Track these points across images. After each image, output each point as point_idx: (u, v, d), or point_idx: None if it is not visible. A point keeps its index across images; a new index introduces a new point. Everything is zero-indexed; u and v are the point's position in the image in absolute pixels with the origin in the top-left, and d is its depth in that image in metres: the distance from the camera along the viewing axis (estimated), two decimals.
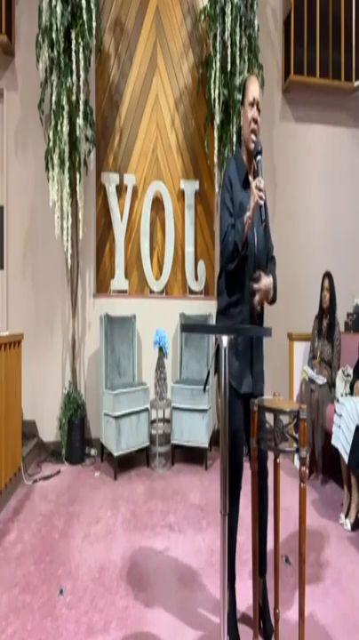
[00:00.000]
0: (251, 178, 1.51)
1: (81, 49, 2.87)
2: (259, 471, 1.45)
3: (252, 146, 1.45)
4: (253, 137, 1.45)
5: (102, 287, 3.46)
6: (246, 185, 1.50)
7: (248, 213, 1.37)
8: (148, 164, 3.53)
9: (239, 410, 1.48)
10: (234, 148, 3.19)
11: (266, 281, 1.45)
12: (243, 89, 1.47)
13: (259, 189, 1.33)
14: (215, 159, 3.32)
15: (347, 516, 2.20)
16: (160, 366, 3.03)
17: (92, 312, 3.35)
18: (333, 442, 2.27)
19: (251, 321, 1.50)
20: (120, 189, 3.43)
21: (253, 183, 1.36)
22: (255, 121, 1.42)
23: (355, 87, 3.64)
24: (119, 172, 3.44)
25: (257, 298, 1.47)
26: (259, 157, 1.40)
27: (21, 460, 2.72)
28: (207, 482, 2.75)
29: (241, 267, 1.45)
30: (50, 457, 3.13)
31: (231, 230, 1.41)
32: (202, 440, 2.94)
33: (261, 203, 1.34)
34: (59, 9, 2.81)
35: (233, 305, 1.50)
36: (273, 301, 1.55)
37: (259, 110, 1.44)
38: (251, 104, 1.43)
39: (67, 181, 2.99)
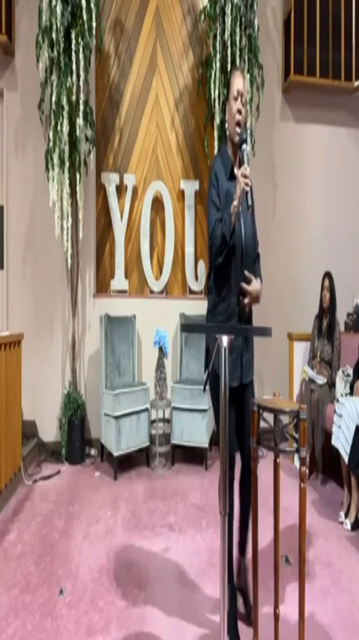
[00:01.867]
0: (236, 169, 1.51)
1: (81, 49, 2.87)
2: (245, 453, 1.55)
3: (237, 137, 1.47)
4: (238, 129, 1.47)
5: (102, 287, 3.46)
6: (233, 177, 1.51)
7: (235, 202, 1.38)
8: (148, 164, 3.53)
9: (228, 399, 1.51)
10: None
11: (256, 286, 1.47)
12: (228, 84, 1.49)
13: (245, 176, 1.34)
14: None
15: (346, 515, 2.20)
16: (160, 366, 3.03)
17: (92, 312, 3.35)
18: (333, 442, 2.27)
19: (240, 316, 1.51)
20: (120, 189, 3.43)
21: (239, 172, 1.37)
22: (239, 112, 1.45)
23: (355, 87, 3.64)
24: (119, 172, 3.44)
25: (247, 300, 1.48)
26: (244, 146, 1.41)
27: (21, 460, 2.72)
28: (207, 482, 2.75)
29: (229, 257, 1.45)
30: (50, 457, 3.13)
31: (218, 224, 1.42)
32: (202, 440, 2.94)
33: (247, 189, 1.34)
34: (59, 9, 2.81)
35: (222, 301, 1.50)
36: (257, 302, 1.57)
37: (243, 103, 1.46)
38: (236, 97, 1.47)
39: (67, 181, 2.99)
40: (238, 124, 1.46)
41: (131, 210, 3.45)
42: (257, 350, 3.63)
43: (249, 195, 1.35)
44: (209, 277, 1.58)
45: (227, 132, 1.54)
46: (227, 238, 1.39)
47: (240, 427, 1.58)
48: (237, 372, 1.50)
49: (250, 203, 1.36)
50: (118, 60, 3.45)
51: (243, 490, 1.59)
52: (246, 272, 1.46)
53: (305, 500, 1.19)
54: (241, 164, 1.42)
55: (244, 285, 1.46)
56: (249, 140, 3.15)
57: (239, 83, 1.47)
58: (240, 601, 1.57)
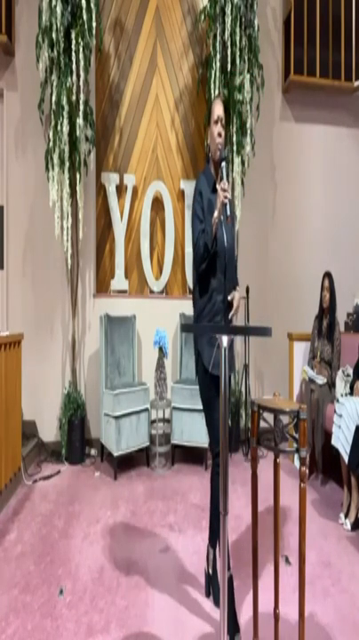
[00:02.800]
0: (217, 184, 1.66)
1: (81, 49, 2.87)
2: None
3: (218, 154, 1.64)
4: (219, 147, 1.65)
5: (102, 287, 3.46)
6: (215, 190, 1.67)
7: (215, 213, 1.54)
8: (148, 164, 3.53)
9: (217, 390, 1.61)
10: (234, 148, 3.19)
11: (237, 297, 1.62)
12: (211, 110, 1.69)
13: (224, 190, 1.50)
14: None
15: (346, 516, 2.20)
16: (160, 366, 3.03)
17: (92, 312, 3.35)
18: (333, 442, 2.27)
19: (225, 313, 1.63)
20: (120, 189, 3.43)
21: (219, 186, 1.53)
22: (219, 135, 1.64)
23: (355, 87, 3.64)
24: (119, 172, 3.44)
25: (232, 311, 1.62)
26: (223, 164, 1.57)
27: (21, 460, 2.72)
28: (207, 482, 2.72)
29: (214, 262, 1.60)
30: (50, 457, 3.13)
31: (201, 235, 1.58)
32: (202, 440, 2.94)
33: (226, 202, 1.49)
34: (59, 9, 2.81)
35: (208, 301, 1.63)
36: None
37: (223, 126, 1.66)
38: (216, 122, 1.65)
39: (67, 181, 2.99)
40: (219, 144, 1.65)
41: (131, 210, 3.45)
42: (257, 350, 3.65)
43: (227, 206, 1.50)
44: (194, 289, 1.71)
45: (210, 152, 1.71)
46: (208, 247, 1.55)
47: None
48: (225, 364, 1.60)
49: (228, 213, 1.51)
50: (118, 60, 3.45)
51: (213, 480, 1.68)
52: (229, 296, 1.61)
53: (305, 500, 1.19)
54: (221, 179, 1.57)
55: (233, 311, 1.62)
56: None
57: (219, 109, 1.66)
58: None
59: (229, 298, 1.61)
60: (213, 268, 1.60)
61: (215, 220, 1.54)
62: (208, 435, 1.69)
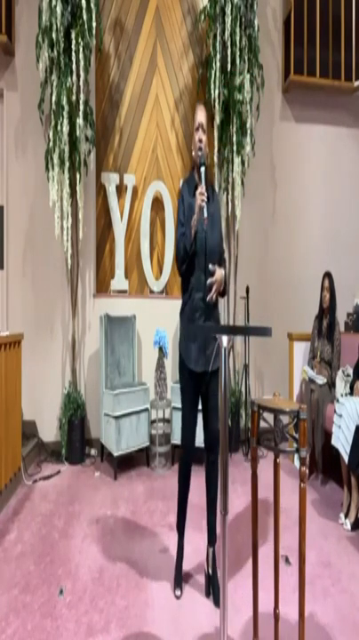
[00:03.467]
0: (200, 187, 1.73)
1: (81, 49, 2.87)
2: (210, 446, 1.77)
3: (198, 160, 1.71)
4: (199, 153, 1.72)
5: (102, 287, 3.46)
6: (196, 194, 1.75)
7: (194, 216, 1.62)
8: (148, 164, 3.53)
9: (192, 385, 1.73)
10: (234, 148, 3.19)
11: (219, 272, 1.66)
12: (193, 116, 1.77)
13: (202, 194, 1.57)
14: (215, 159, 3.32)
15: (346, 516, 2.20)
16: (160, 366, 3.03)
17: (92, 312, 3.35)
18: (333, 442, 2.27)
19: (205, 311, 1.69)
20: (120, 189, 3.43)
21: (197, 190, 1.61)
22: (200, 140, 1.71)
23: (355, 87, 3.64)
24: (119, 172, 3.44)
25: (213, 289, 1.66)
26: (202, 168, 1.67)
27: (21, 460, 2.72)
28: None
29: (192, 263, 1.68)
30: (50, 457, 3.13)
31: (181, 238, 1.68)
32: (202, 440, 2.93)
33: (203, 205, 1.57)
34: (59, 9, 2.81)
35: (188, 299, 1.71)
36: (224, 294, 1.76)
37: (204, 131, 1.72)
38: (197, 128, 1.72)
39: (67, 181, 2.99)
40: (200, 149, 1.71)
41: (131, 210, 3.45)
42: (257, 350, 3.65)
43: (205, 209, 1.57)
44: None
45: (193, 158, 1.78)
46: (187, 249, 1.64)
47: (205, 416, 1.77)
48: (202, 359, 1.68)
49: (205, 215, 1.58)
50: (118, 60, 3.45)
51: (208, 478, 1.75)
52: (210, 265, 1.66)
53: (305, 500, 1.19)
54: (200, 183, 1.66)
55: (210, 280, 1.65)
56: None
57: (201, 116, 1.71)
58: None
59: (211, 268, 1.66)
60: (193, 268, 1.68)
61: (193, 222, 1.62)
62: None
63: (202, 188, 1.59)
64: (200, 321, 1.68)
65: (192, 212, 1.66)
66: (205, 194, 1.58)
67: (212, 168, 3.46)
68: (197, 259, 1.67)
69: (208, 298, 1.66)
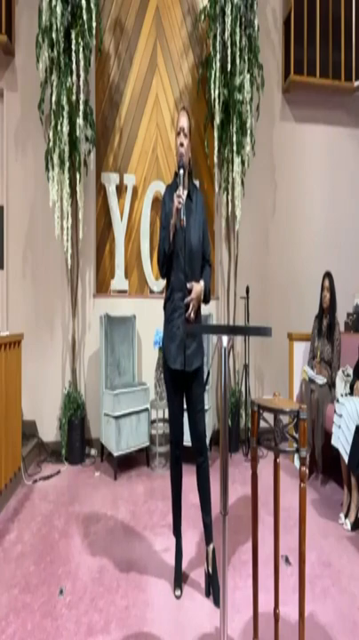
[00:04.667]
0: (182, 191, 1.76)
1: (81, 49, 2.87)
2: (197, 449, 1.74)
3: (179, 163, 1.73)
4: (181, 157, 1.74)
5: (102, 287, 3.46)
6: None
7: (172, 220, 1.67)
8: (148, 164, 3.53)
9: (173, 383, 1.75)
10: (234, 148, 3.19)
11: (196, 288, 1.68)
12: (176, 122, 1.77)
13: (179, 196, 1.61)
14: (215, 159, 3.32)
15: (346, 516, 2.20)
16: (160, 366, 3.03)
17: (92, 312, 3.35)
18: (333, 442, 2.27)
19: (185, 310, 1.71)
20: (120, 189, 3.43)
21: (175, 193, 1.65)
22: (181, 145, 1.73)
23: (355, 87, 3.64)
24: (119, 172, 3.44)
25: (190, 307, 1.68)
26: (181, 171, 1.70)
27: (21, 460, 2.72)
28: None
29: (171, 264, 1.72)
30: (50, 457, 3.13)
31: (161, 243, 1.73)
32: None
33: (179, 207, 1.61)
34: (59, 9, 2.81)
35: (168, 298, 1.73)
36: (206, 301, 1.77)
37: (185, 136, 1.74)
38: (178, 133, 1.75)
39: (67, 181, 2.99)
40: (180, 153, 1.73)
41: (131, 210, 3.45)
42: (257, 350, 3.65)
43: (181, 211, 1.61)
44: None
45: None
46: (166, 250, 1.70)
47: (190, 419, 1.76)
48: (180, 358, 1.70)
49: (182, 217, 1.61)
50: (118, 60, 3.45)
51: (199, 481, 1.75)
52: (188, 284, 1.68)
53: (305, 500, 1.19)
54: (177, 187, 1.69)
55: (187, 299, 1.68)
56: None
57: (183, 121, 1.74)
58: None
59: (188, 286, 1.67)
60: (172, 269, 1.72)
61: (171, 225, 1.67)
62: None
63: (179, 191, 1.63)
64: (179, 321, 1.69)
65: (171, 214, 1.70)
66: (182, 197, 1.62)
67: (213, 168, 3.47)
68: (177, 259, 1.70)
69: (186, 315, 1.68)
